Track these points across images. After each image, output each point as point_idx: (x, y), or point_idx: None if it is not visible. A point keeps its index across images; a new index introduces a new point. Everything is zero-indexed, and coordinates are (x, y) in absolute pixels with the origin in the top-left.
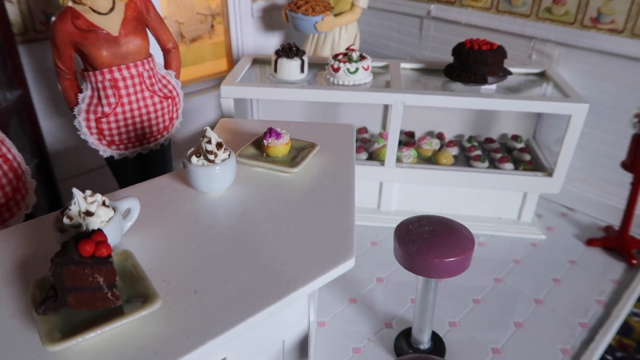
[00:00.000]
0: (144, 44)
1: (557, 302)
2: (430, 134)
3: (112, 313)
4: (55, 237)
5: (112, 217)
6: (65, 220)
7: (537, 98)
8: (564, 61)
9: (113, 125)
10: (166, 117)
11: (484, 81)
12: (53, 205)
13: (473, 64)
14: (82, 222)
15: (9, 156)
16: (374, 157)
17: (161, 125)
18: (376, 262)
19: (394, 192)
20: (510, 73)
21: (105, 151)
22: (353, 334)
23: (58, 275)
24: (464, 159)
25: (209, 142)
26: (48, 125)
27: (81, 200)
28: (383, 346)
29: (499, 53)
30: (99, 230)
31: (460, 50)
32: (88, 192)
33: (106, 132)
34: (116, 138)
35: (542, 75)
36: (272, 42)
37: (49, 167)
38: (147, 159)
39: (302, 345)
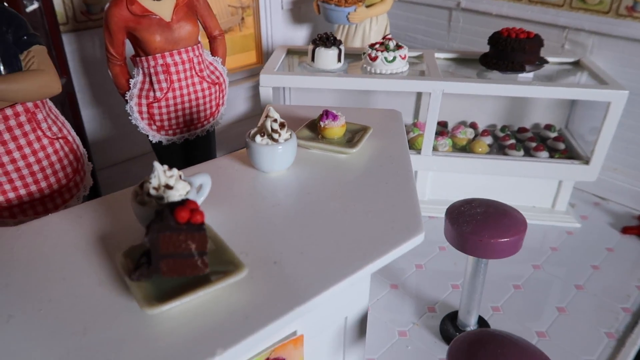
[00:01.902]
0: (194, 30)
1: (597, 287)
2: (462, 124)
3: (200, 281)
4: (135, 210)
5: (189, 191)
6: (152, 191)
7: (576, 85)
8: (597, 50)
9: (164, 110)
10: (213, 102)
11: (521, 69)
12: (92, 193)
13: (510, 52)
14: (164, 195)
15: (69, 138)
16: (410, 146)
17: (208, 112)
18: (413, 250)
19: (428, 181)
20: (546, 62)
21: (154, 136)
22: (397, 318)
23: (154, 241)
24: (498, 148)
25: (275, 121)
26: (86, 115)
27: (161, 174)
28: (428, 329)
29: (536, 41)
30: (190, 200)
31: (497, 38)
32: (165, 166)
33: (157, 117)
34: (166, 123)
35: (577, 64)
36: (300, 34)
37: (89, 156)
38: (192, 145)
39: (362, 323)
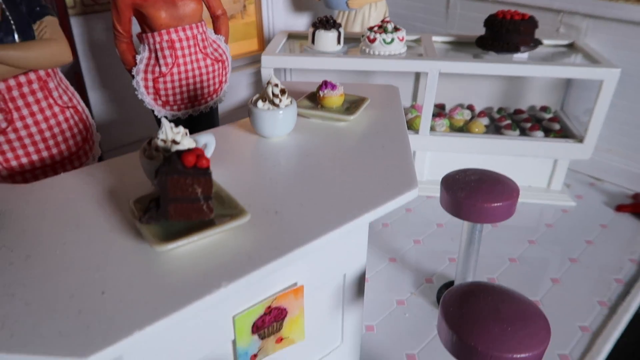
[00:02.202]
0: (198, 7)
1: (591, 260)
2: (460, 106)
3: (205, 225)
4: (144, 164)
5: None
6: (160, 142)
7: (570, 64)
8: (592, 33)
9: (169, 85)
10: (216, 79)
11: (516, 50)
12: None
13: (505, 33)
14: (171, 149)
15: (79, 108)
16: (408, 127)
17: (212, 88)
18: (412, 227)
19: (426, 162)
20: (541, 43)
21: (159, 111)
22: (395, 288)
23: (163, 184)
24: (495, 129)
25: (276, 86)
26: (93, 97)
27: (169, 130)
28: (426, 298)
29: (531, 23)
30: (197, 147)
31: (492, 20)
32: (172, 123)
33: (162, 92)
34: (170, 99)
35: (571, 47)
36: (301, 22)
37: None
38: (195, 121)
39: (360, 282)
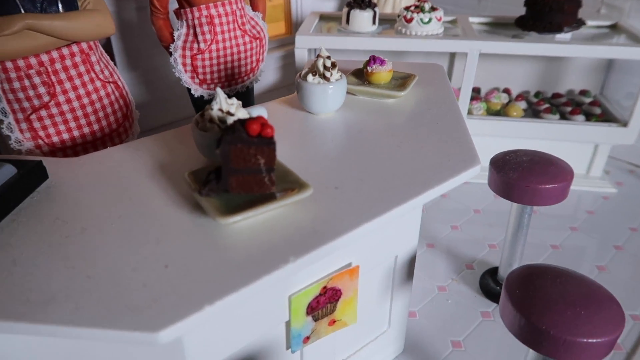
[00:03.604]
0: None
1: (637, 248)
2: (496, 90)
3: (267, 199)
4: (196, 137)
5: None
6: (216, 112)
7: (616, 44)
8: (635, 13)
9: (207, 62)
10: (254, 57)
11: (559, 30)
12: None
13: (548, 13)
14: (227, 120)
15: (120, 84)
16: None
17: (249, 66)
18: (449, 213)
19: None
20: (584, 23)
21: (196, 90)
22: (435, 274)
23: (226, 153)
24: (533, 113)
25: (328, 57)
26: (124, 78)
27: (223, 100)
28: (468, 285)
29: (575, 2)
30: (260, 115)
31: None
32: (225, 95)
33: (200, 70)
34: (208, 77)
35: (614, 28)
36: (329, 4)
37: None
38: None
39: (410, 265)
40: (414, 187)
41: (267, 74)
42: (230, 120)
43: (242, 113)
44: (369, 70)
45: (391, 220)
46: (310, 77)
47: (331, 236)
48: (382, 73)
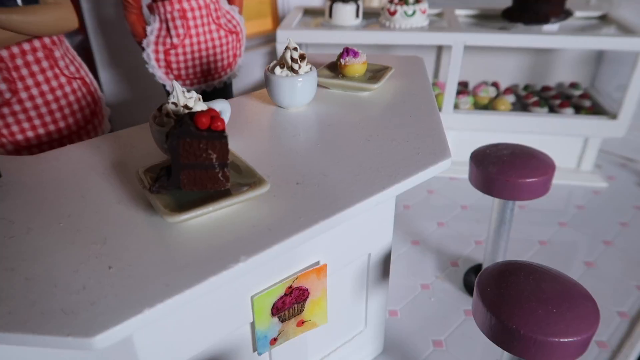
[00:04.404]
0: None
1: (626, 243)
2: (484, 83)
3: (221, 196)
4: (154, 132)
5: None
6: (171, 106)
7: (605, 34)
8: (626, 4)
9: (181, 57)
10: (230, 52)
11: (546, 20)
12: None
13: (534, 3)
14: (183, 115)
15: (87, 80)
16: None
17: (225, 61)
18: (435, 210)
19: (450, 141)
20: (571, 13)
21: (171, 86)
22: (419, 272)
23: (174, 148)
24: (522, 106)
25: (295, 49)
26: (104, 76)
27: (180, 94)
28: (451, 282)
29: None
30: (211, 108)
31: None
32: (184, 88)
33: (174, 65)
34: (183, 72)
35: (604, 18)
36: (316, 0)
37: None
38: (209, 97)
39: (385, 263)
40: (379, 181)
41: (253, 70)
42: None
43: (200, 107)
44: (342, 63)
45: (355, 217)
46: (278, 70)
47: (285, 234)
48: (356, 65)
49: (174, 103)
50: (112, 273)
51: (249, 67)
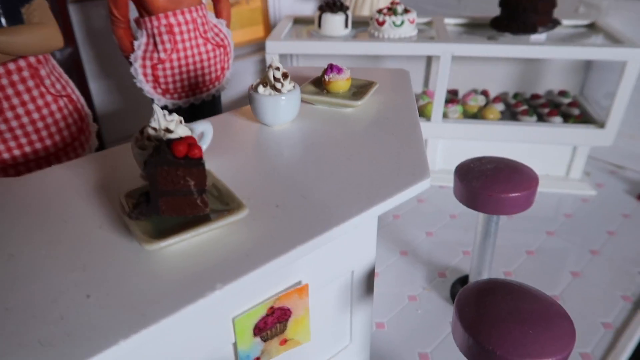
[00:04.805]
0: None
1: (613, 252)
2: (473, 91)
3: (200, 221)
4: (136, 155)
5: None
6: (151, 131)
7: (591, 45)
8: (613, 12)
9: (168, 72)
10: (218, 66)
11: (533, 30)
12: None
13: (522, 13)
14: (163, 138)
15: (74, 97)
16: (419, 114)
17: (213, 75)
18: (424, 219)
19: (439, 150)
20: (559, 23)
21: (159, 100)
22: (407, 283)
23: (152, 176)
24: (511, 115)
25: (277, 69)
26: (95, 87)
27: (161, 117)
28: (439, 294)
29: (549, 2)
30: (188, 135)
31: None
32: (165, 111)
33: (161, 80)
34: (171, 86)
35: (592, 27)
36: (308, 7)
37: (99, 129)
38: (198, 110)
39: (369, 279)
40: (358, 203)
41: (245, 79)
42: (168, 138)
43: (182, 130)
44: (326, 79)
45: (335, 238)
46: (261, 89)
47: (263, 259)
48: (340, 82)
49: (153, 128)
50: (90, 302)
51: (240, 75)
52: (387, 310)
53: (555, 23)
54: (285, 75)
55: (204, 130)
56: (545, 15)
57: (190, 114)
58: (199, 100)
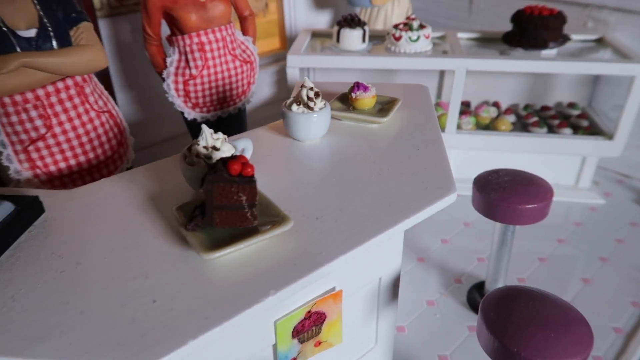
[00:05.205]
0: (227, 9)
1: (622, 260)
2: (485, 103)
3: (249, 232)
4: (184, 171)
5: (234, 153)
6: (202, 149)
7: (600, 60)
8: (621, 27)
9: (199, 87)
10: (245, 81)
11: (544, 46)
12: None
13: (533, 29)
14: (212, 155)
15: (114, 112)
16: None
17: (240, 89)
18: (439, 226)
19: (452, 160)
20: (569, 38)
21: (189, 114)
22: (424, 288)
23: (209, 192)
24: (522, 126)
25: (311, 89)
26: (120, 99)
27: (209, 136)
28: (456, 299)
29: (559, 18)
30: (241, 155)
31: (520, 16)
32: (211, 130)
33: (192, 95)
34: (200, 101)
35: (600, 42)
36: (323, 19)
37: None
38: (224, 122)
39: (394, 285)
40: (391, 216)
41: (262, 89)
42: (216, 155)
43: (227, 147)
44: (353, 97)
45: (369, 249)
46: (294, 107)
47: (309, 269)
48: (366, 99)
49: (204, 147)
50: (157, 306)
51: (257, 86)
52: (406, 315)
53: (566, 39)
54: (317, 94)
55: (245, 147)
56: (556, 31)
57: (217, 126)
58: (225, 113)
